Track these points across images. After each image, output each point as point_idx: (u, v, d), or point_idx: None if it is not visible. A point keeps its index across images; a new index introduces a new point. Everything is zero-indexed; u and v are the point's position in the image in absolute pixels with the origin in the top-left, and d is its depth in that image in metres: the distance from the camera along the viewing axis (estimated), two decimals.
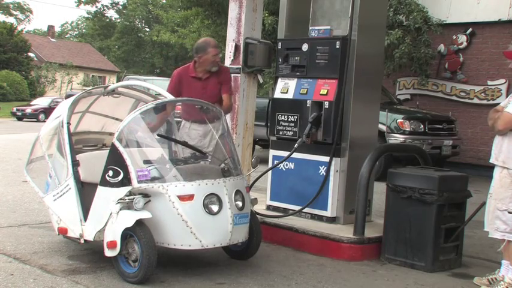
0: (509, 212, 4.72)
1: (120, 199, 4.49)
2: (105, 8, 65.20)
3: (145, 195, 4.51)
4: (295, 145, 6.06)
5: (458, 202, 5.52)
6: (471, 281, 5.10)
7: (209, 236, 4.57)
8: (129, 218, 4.40)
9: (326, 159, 6.04)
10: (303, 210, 6.12)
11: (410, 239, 5.38)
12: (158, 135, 5.23)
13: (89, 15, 65.36)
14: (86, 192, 4.87)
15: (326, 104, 6.06)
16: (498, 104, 5.16)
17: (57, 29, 67.17)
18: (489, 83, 13.88)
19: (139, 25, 63.52)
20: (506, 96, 14.20)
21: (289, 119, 6.33)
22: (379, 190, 6.72)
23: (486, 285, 4.94)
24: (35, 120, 29.43)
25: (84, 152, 5.51)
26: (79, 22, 73.44)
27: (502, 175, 4.80)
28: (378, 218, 6.36)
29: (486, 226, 4.97)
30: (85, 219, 4.79)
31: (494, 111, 5.00)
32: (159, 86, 5.95)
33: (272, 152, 6.55)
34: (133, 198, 4.45)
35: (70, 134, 5.08)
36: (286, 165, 6.36)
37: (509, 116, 4.73)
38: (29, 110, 30.98)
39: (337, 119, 6.00)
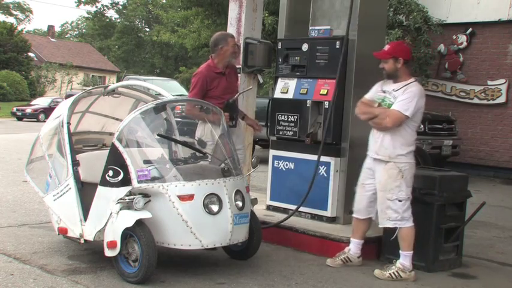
0: (399, 200, 4.92)
1: (120, 199, 4.49)
2: (105, 8, 65.24)
3: (146, 195, 4.50)
4: None
5: (458, 202, 5.52)
6: (471, 281, 5.10)
7: (209, 236, 4.57)
8: (129, 218, 4.40)
9: (326, 159, 6.03)
10: (303, 211, 6.12)
11: None
12: (158, 135, 5.23)
13: (89, 15, 65.40)
14: (86, 192, 4.87)
15: (326, 104, 6.06)
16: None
17: (57, 29, 67.28)
18: (489, 83, 13.87)
19: (139, 25, 63.51)
20: (507, 96, 14.44)
21: (289, 119, 6.32)
22: None
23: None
24: (35, 120, 29.37)
25: (84, 152, 5.51)
26: (79, 22, 73.55)
27: (388, 167, 4.96)
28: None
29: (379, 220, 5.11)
30: (85, 219, 4.80)
31: (363, 104, 5.14)
32: (159, 86, 5.95)
33: (272, 152, 6.55)
34: (134, 198, 4.45)
35: (70, 134, 5.09)
36: (286, 165, 6.36)
37: (398, 114, 4.90)
38: (29, 110, 30.89)
39: (337, 119, 6.00)
